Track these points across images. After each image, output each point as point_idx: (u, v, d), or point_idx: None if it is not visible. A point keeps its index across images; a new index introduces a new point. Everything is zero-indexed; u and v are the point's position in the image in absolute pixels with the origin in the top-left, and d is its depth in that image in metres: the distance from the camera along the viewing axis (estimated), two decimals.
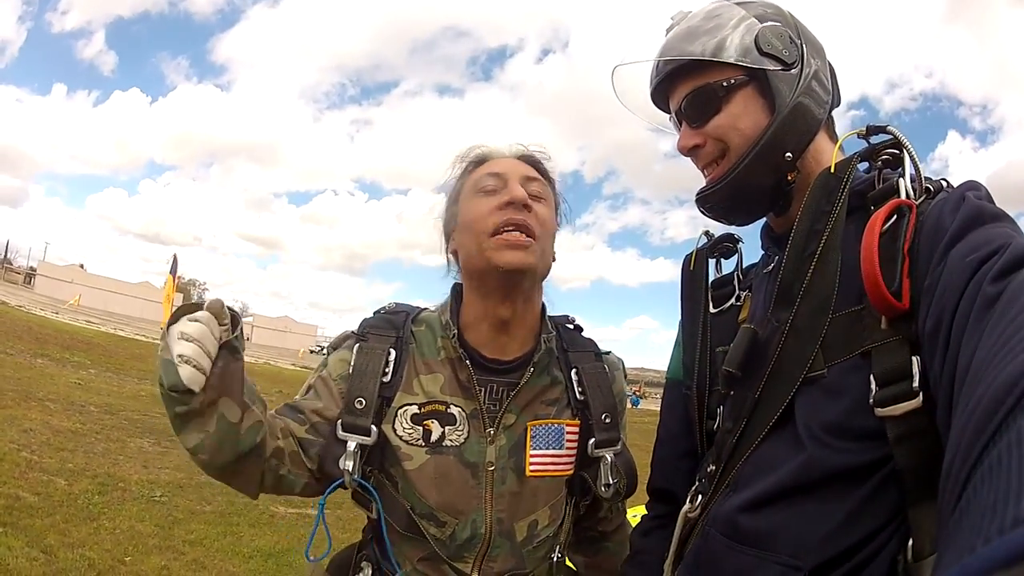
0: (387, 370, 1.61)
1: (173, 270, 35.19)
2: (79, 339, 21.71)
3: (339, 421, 1.57)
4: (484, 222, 1.56)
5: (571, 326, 1.85)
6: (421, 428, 1.59)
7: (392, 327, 1.69)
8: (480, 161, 1.68)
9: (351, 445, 1.54)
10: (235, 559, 5.90)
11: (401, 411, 1.60)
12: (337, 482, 1.55)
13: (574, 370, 1.73)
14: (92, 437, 9.33)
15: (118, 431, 10.12)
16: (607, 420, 1.68)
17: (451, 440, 1.59)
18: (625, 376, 1.89)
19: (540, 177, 1.68)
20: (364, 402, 1.56)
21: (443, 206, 1.75)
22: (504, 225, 1.54)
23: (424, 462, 1.58)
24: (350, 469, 1.52)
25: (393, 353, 1.63)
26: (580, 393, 1.70)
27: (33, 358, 15.42)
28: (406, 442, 1.59)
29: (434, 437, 1.59)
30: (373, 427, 1.55)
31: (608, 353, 1.84)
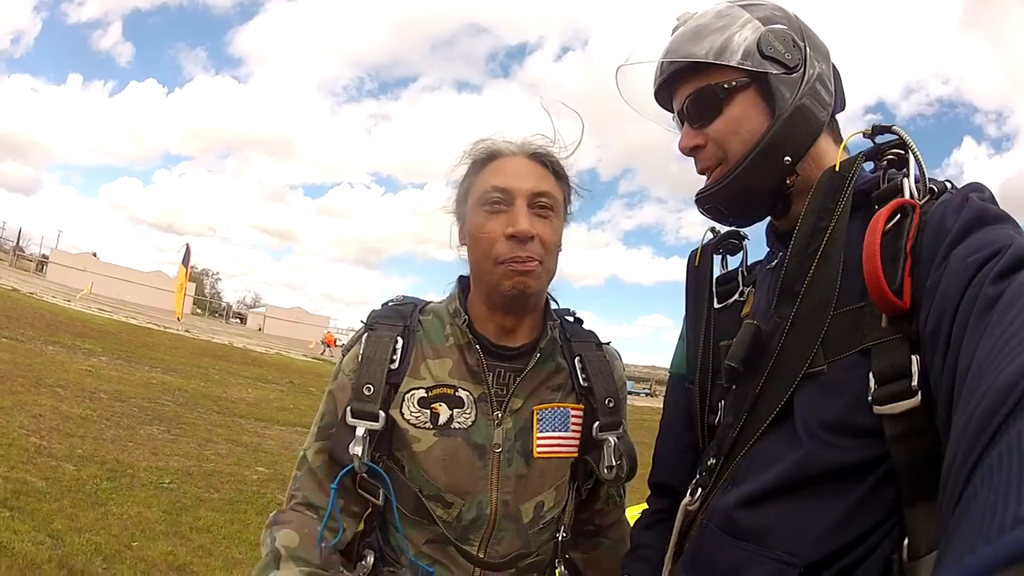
0: (394, 357, 1.64)
1: (185, 260, 35.57)
2: (91, 327, 21.86)
3: (348, 408, 1.59)
4: (490, 247, 1.60)
5: (571, 319, 1.89)
6: (429, 411, 1.63)
7: (400, 316, 1.73)
8: (489, 157, 1.69)
9: (360, 431, 1.56)
10: (242, 546, 5.94)
11: (408, 395, 1.64)
12: (347, 468, 1.58)
13: (577, 358, 1.77)
14: (102, 424, 9.40)
15: (128, 418, 10.20)
16: (610, 404, 1.72)
17: (459, 423, 1.63)
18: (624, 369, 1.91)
19: (551, 178, 1.69)
20: (372, 388, 1.59)
21: (454, 196, 1.78)
22: (509, 256, 1.58)
23: (432, 444, 1.61)
24: (359, 454, 1.55)
25: (400, 341, 1.67)
26: (584, 379, 1.74)
27: (44, 345, 15.54)
28: (414, 425, 1.62)
29: (442, 420, 1.63)
30: (381, 412, 1.58)
31: (608, 343, 1.88)
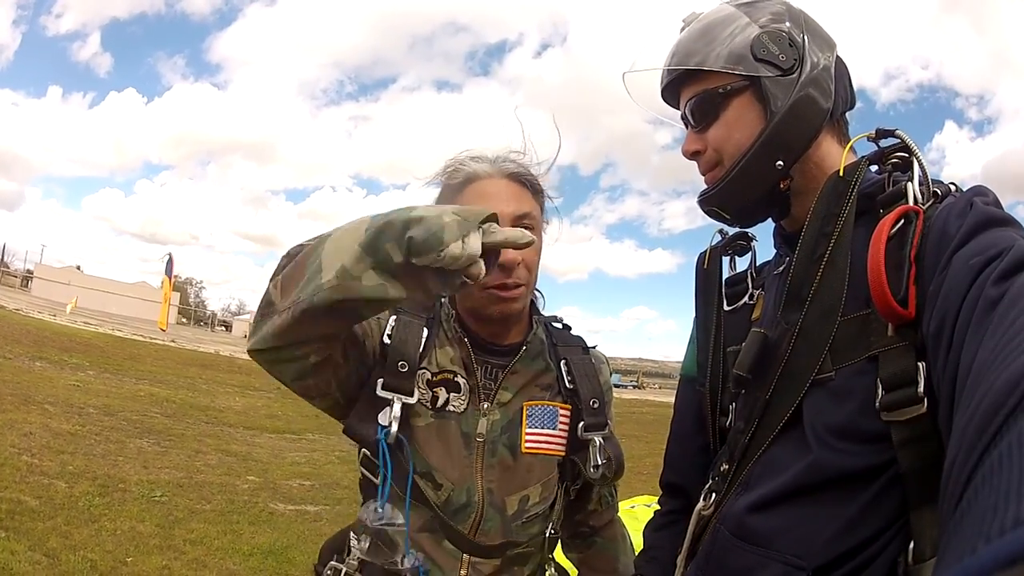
0: (421, 343, 1.66)
1: (168, 271, 35.22)
2: (77, 341, 21.64)
3: (380, 380, 1.59)
4: None
5: (559, 325, 1.92)
6: (431, 393, 1.67)
7: (424, 307, 1.75)
8: (465, 182, 1.70)
9: (397, 405, 1.57)
10: (235, 557, 5.93)
11: (420, 374, 1.67)
12: (385, 430, 1.56)
13: (563, 361, 1.81)
14: (91, 439, 9.32)
15: (117, 432, 10.11)
16: (595, 405, 1.75)
17: (453, 406, 1.68)
18: (611, 372, 1.96)
19: (529, 197, 1.72)
20: (407, 366, 1.60)
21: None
22: (494, 283, 1.61)
23: (429, 423, 1.65)
24: (392, 424, 1.56)
25: (426, 332, 1.69)
26: (569, 382, 1.78)
27: (31, 361, 15.35)
28: (419, 401, 1.65)
29: (440, 402, 1.67)
30: (416, 389, 1.61)
31: (595, 347, 1.92)
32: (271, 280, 1.43)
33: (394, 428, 1.56)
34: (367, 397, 1.61)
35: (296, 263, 1.39)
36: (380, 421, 1.57)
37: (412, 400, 1.59)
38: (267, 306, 1.41)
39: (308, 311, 1.33)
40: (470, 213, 1.29)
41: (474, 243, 1.27)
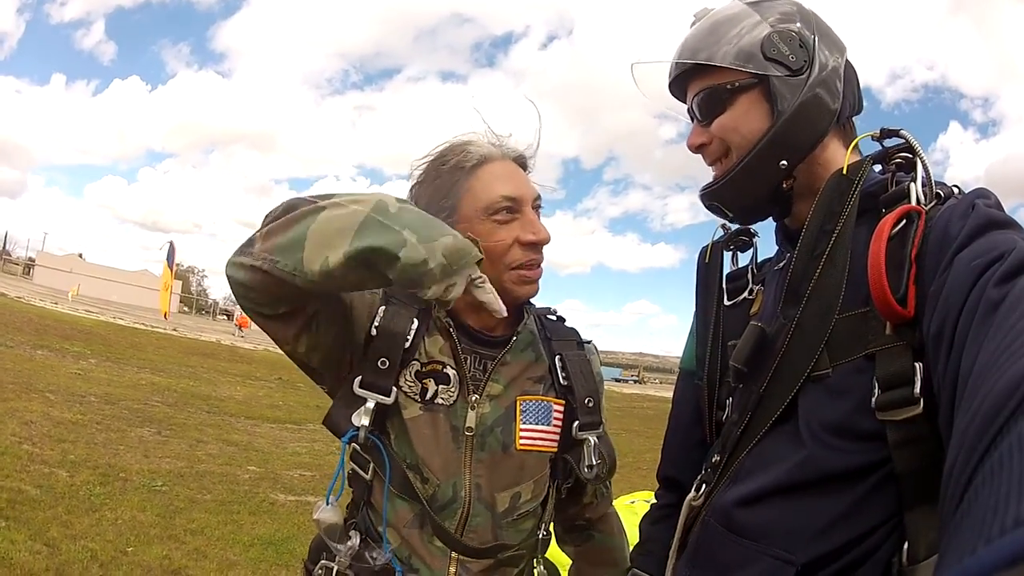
0: (409, 337, 1.65)
1: (169, 259, 35.24)
2: (78, 329, 21.66)
3: (358, 378, 1.60)
4: (503, 254, 1.62)
5: (553, 317, 1.91)
6: (420, 384, 1.65)
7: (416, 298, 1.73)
8: (479, 163, 1.69)
9: (370, 403, 1.58)
10: (236, 547, 5.93)
11: (409, 366, 1.66)
12: (351, 433, 1.59)
13: (557, 357, 1.79)
14: (93, 428, 9.34)
15: (118, 421, 10.14)
16: (590, 404, 1.74)
17: (442, 399, 1.65)
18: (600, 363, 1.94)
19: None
20: (388, 363, 1.60)
21: (426, 195, 1.73)
22: (527, 263, 1.64)
23: (418, 415, 1.64)
24: (366, 424, 1.57)
25: (416, 323, 1.67)
26: (564, 378, 1.76)
27: (33, 349, 15.38)
28: (406, 394, 1.64)
29: (429, 395, 1.65)
30: (394, 388, 1.60)
31: (589, 342, 1.91)
32: (262, 224, 1.44)
33: (363, 432, 1.58)
34: (346, 393, 1.61)
35: (285, 221, 1.39)
36: (353, 421, 1.58)
37: (388, 400, 1.59)
38: (248, 244, 1.42)
39: (280, 280, 1.37)
40: (459, 258, 1.34)
41: (455, 293, 1.36)
